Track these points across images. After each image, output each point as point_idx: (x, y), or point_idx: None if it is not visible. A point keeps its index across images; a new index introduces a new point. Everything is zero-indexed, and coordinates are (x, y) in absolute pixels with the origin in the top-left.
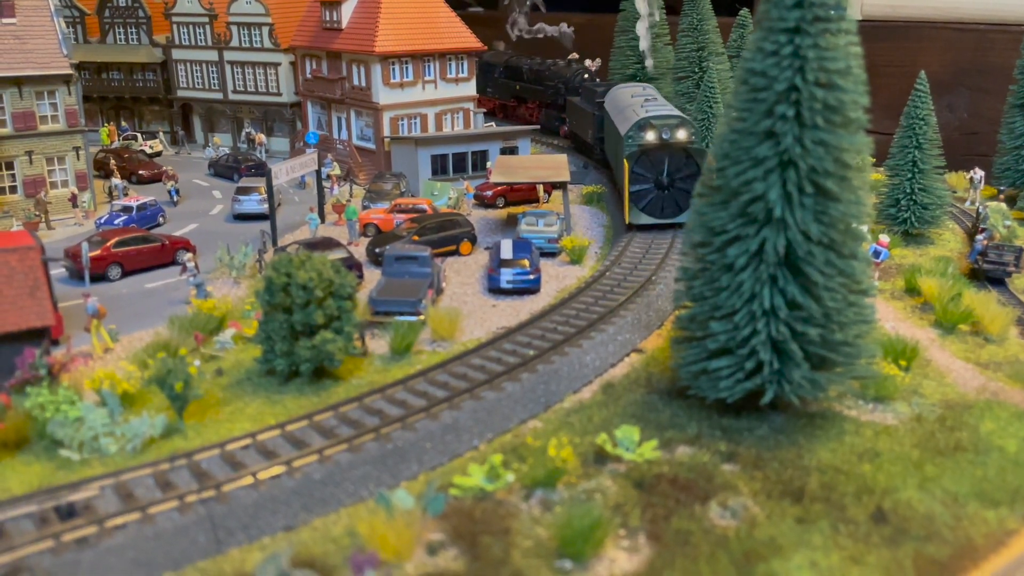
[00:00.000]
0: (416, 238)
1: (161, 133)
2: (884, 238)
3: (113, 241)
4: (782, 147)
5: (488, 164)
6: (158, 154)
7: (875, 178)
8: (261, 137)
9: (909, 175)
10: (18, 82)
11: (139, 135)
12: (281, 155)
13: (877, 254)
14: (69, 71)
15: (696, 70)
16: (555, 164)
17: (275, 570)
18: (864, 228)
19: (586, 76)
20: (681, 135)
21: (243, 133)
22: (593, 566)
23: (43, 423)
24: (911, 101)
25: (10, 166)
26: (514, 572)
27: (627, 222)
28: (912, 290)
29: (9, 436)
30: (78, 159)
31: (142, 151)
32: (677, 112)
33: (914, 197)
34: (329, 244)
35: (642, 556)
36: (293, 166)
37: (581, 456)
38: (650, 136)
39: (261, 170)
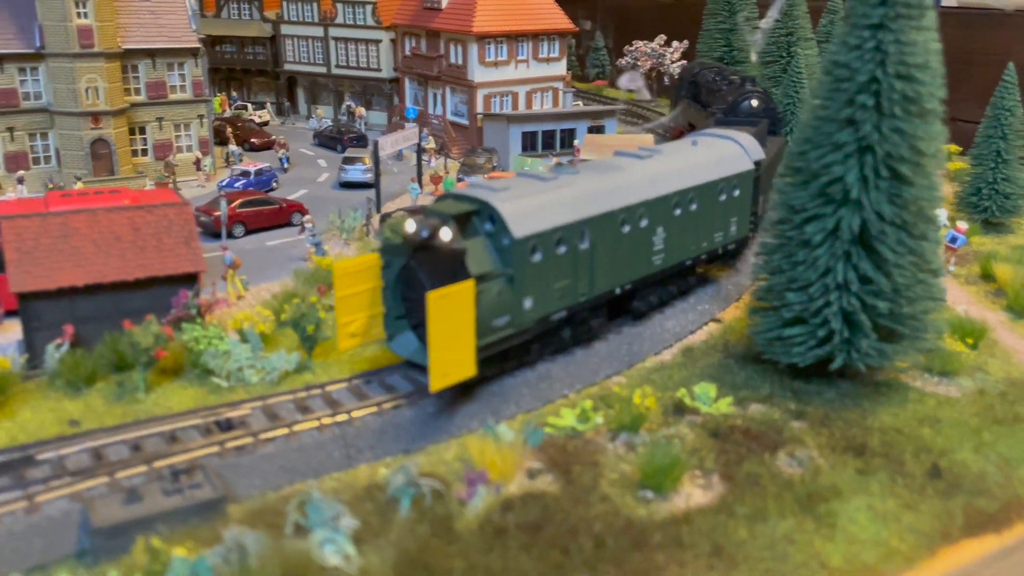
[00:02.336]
0: None
1: (268, 104)
2: (962, 225)
3: (238, 202)
4: (861, 134)
5: (575, 142)
6: (265, 123)
7: (957, 167)
8: (361, 110)
9: (992, 164)
10: (152, 54)
11: (249, 105)
12: (379, 128)
13: (954, 240)
14: (197, 45)
15: (784, 55)
16: (642, 143)
17: (405, 478)
18: (943, 214)
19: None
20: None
21: (344, 106)
22: (671, 498)
23: (197, 354)
24: (998, 91)
25: (143, 131)
26: (603, 496)
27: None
28: (987, 276)
29: (169, 364)
30: (201, 126)
31: (251, 120)
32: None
33: (996, 186)
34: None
35: (715, 492)
36: (397, 139)
37: (662, 407)
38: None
39: (363, 142)
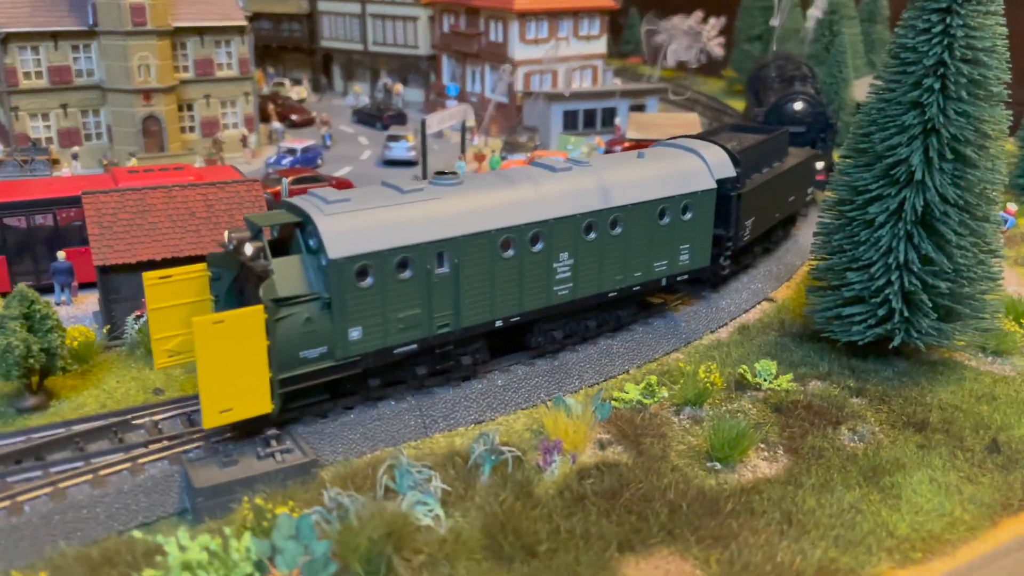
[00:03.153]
0: None
1: (305, 80)
2: (1012, 207)
3: (291, 179)
4: (927, 116)
5: (616, 120)
6: (302, 100)
7: (1007, 148)
8: (399, 87)
9: None
10: (200, 32)
11: (286, 81)
12: (415, 105)
13: (1004, 221)
14: (244, 22)
15: (827, 33)
16: (687, 122)
17: (487, 444)
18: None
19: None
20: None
21: (380, 83)
22: (739, 469)
23: None
24: None
25: (190, 108)
26: (673, 466)
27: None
28: None
29: None
30: (247, 103)
31: (289, 97)
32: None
33: None
34: None
35: (780, 465)
36: (443, 117)
37: (724, 383)
38: None
39: (402, 120)
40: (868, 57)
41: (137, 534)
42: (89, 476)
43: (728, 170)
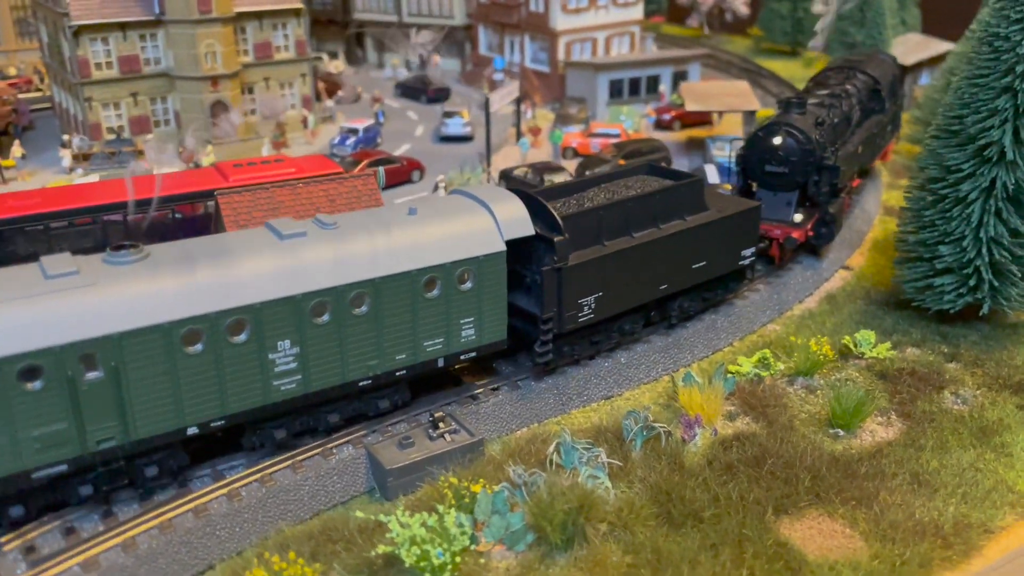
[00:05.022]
0: (622, 162)
1: (340, 52)
2: None
3: (366, 162)
4: (1019, 101)
5: (660, 87)
6: (340, 74)
7: None
8: (437, 58)
9: None
10: (259, 16)
11: (324, 56)
12: (450, 75)
13: None
14: (300, 5)
15: None
16: (741, 91)
17: (640, 420)
18: None
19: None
20: None
21: (417, 54)
22: (859, 434)
23: None
24: None
25: (251, 91)
26: (802, 435)
27: None
28: None
29: None
30: (304, 84)
31: (330, 72)
32: None
33: None
34: (551, 168)
35: (896, 429)
36: (504, 94)
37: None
38: None
39: (446, 93)
40: (900, 16)
41: (359, 513)
42: (288, 463)
43: (526, 228)
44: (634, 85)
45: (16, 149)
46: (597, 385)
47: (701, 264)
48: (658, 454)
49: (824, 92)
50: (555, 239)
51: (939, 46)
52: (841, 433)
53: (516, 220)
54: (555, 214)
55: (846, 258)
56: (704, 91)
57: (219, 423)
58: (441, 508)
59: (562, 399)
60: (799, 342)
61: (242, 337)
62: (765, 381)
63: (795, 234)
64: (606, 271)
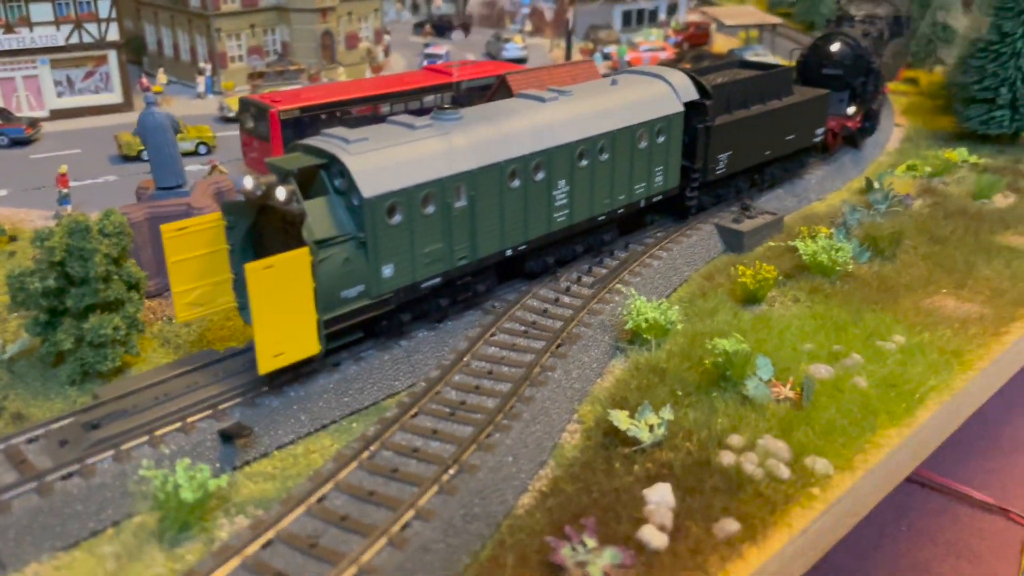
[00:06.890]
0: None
1: None
2: None
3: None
4: None
5: (662, 16)
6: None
7: None
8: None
9: None
10: None
11: None
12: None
13: None
14: None
15: None
16: (754, 12)
17: (883, 190)
18: None
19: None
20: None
21: None
22: (995, 201)
23: None
24: None
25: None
26: (964, 201)
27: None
28: None
29: None
30: (376, 18)
31: None
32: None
33: None
34: None
35: (1012, 199)
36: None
37: (942, 161)
38: None
39: (468, 26)
40: None
41: (772, 242)
42: (679, 234)
43: (693, 93)
44: (640, 15)
45: (161, 76)
46: (812, 190)
47: (791, 136)
48: (903, 206)
49: (862, 13)
50: (707, 102)
51: None
52: (984, 201)
53: (687, 87)
54: (706, 84)
55: (879, 153)
56: (734, 12)
57: (523, 247)
58: (824, 231)
59: (798, 194)
60: (943, 154)
61: (541, 175)
62: (921, 177)
63: (850, 124)
64: (734, 134)
